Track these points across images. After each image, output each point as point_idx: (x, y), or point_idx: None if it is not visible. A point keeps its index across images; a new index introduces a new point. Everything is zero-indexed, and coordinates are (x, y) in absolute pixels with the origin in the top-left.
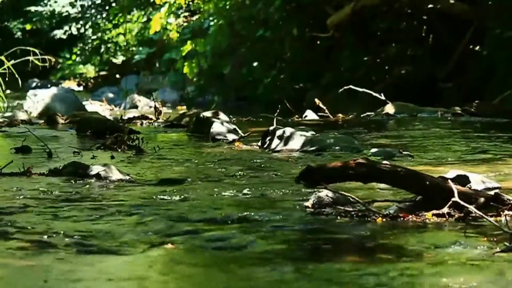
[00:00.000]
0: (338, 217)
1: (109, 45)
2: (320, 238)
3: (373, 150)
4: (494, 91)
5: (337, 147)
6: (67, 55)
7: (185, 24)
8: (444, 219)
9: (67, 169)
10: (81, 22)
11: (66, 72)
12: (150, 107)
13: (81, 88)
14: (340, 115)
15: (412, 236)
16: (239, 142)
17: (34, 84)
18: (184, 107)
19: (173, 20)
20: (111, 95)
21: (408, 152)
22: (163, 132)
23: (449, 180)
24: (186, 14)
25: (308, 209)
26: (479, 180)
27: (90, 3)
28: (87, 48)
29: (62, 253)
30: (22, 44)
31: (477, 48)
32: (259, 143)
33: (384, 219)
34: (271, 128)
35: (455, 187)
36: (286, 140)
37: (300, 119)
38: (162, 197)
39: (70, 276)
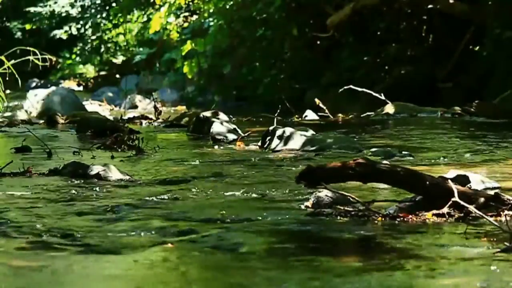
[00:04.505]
0: (338, 217)
1: (109, 45)
2: (320, 238)
3: (373, 150)
4: (494, 91)
5: (337, 147)
6: (67, 55)
7: (185, 24)
8: (444, 219)
9: (67, 169)
10: (81, 22)
11: (66, 72)
12: (151, 106)
13: (81, 88)
14: (340, 115)
15: (412, 236)
16: (239, 142)
17: (34, 84)
18: (184, 107)
19: (173, 20)
20: (111, 95)
21: (408, 152)
22: (163, 132)
23: (449, 180)
24: (186, 14)
25: (308, 209)
26: (479, 180)
27: (90, 3)
28: (87, 48)
29: (62, 253)
30: (22, 44)
31: (477, 48)
32: (259, 143)
33: (384, 219)
34: (271, 128)
35: (455, 187)
36: (286, 140)
37: (300, 119)
38: (161, 197)
39: (70, 275)
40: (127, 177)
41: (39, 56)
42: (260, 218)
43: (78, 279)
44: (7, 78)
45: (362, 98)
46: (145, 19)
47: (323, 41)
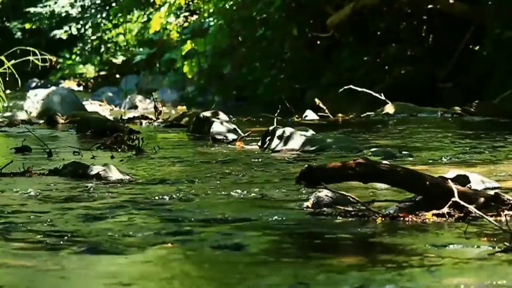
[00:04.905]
0: (338, 217)
1: (109, 45)
2: (319, 238)
3: (373, 150)
4: (494, 91)
5: (337, 147)
6: (67, 55)
7: (185, 24)
8: (444, 219)
9: (67, 169)
10: (81, 22)
11: (66, 72)
12: (152, 106)
13: (81, 88)
14: (340, 115)
15: (412, 236)
16: (239, 142)
17: (34, 84)
18: (184, 107)
19: (173, 20)
20: (111, 95)
21: (408, 152)
22: (163, 132)
23: (449, 180)
24: (186, 14)
25: (308, 209)
26: (479, 180)
27: (90, 3)
28: (87, 48)
29: (62, 253)
30: (22, 44)
31: (477, 48)
32: (259, 143)
33: (384, 219)
34: (271, 128)
35: (455, 187)
36: (286, 140)
37: (300, 119)
38: (162, 197)
39: (69, 275)
40: (127, 177)
41: (39, 56)
42: (260, 218)
43: (78, 279)
44: (7, 78)
45: (362, 98)
46: (145, 19)
47: (323, 41)
